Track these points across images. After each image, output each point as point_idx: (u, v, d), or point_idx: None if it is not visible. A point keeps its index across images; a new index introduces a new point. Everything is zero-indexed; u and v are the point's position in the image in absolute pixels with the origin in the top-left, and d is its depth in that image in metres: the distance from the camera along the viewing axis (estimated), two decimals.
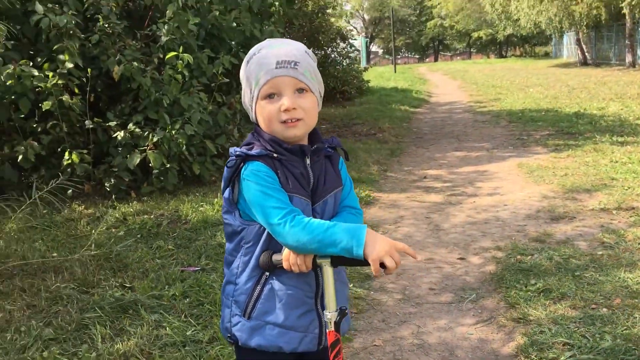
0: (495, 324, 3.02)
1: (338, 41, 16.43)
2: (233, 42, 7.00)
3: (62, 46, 5.56)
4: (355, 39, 20.65)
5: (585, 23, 26.62)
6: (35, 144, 5.55)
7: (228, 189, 1.54)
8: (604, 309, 3.00)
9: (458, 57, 64.04)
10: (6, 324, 3.07)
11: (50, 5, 5.78)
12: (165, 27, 5.90)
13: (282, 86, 1.50)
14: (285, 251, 1.47)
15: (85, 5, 5.99)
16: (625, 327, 2.79)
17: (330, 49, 16.03)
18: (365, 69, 18.21)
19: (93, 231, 4.56)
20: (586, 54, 30.27)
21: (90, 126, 5.82)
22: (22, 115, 5.73)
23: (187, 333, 2.88)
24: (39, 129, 5.81)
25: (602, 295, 3.17)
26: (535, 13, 28.40)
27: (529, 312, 3.02)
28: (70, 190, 5.42)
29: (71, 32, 5.71)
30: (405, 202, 5.56)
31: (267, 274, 1.52)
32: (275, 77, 1.49)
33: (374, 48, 68.46)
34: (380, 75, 26.40)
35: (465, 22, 48.53)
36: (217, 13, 6.50)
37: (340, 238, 1.39)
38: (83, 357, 2.68)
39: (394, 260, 1.35)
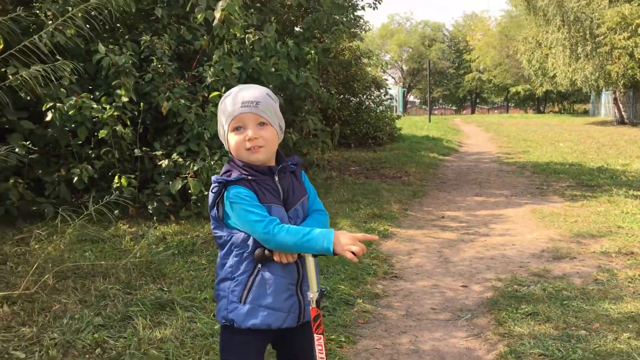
0: (483, 337, 3.42)
1: (372, 89, 17.14)
2: (271, 85, 7.64)
3: (119, 82, 6.27)
4: (390, 88, 21.34)
5: (622, 82, 26.81)
6: (89, 167, 6.20)
7: (214, 209, 1.92)
8: (582, 331, 3.37)
9: (495, 111, 64.31)
10: (62, 313, 3.59)
11: (110, 46, 6.54)
12: (211, 69, 6.57)
13: (247, 121, 1.91)
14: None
15: (142, 48, 6.73)
16: (597, 345, 3.15)
17: (365, 96, 16.72)
18: (398, 117, 18.79)
19: (136, 246, 5.12)
20: (623, 113, 30.25)
21: (139, 154, 6.47)
22: (80, 142, 6.42)
23: (215, 327, 3.35)
24: (93, 155, 6.48)
25: (583, 321, 3.53)
26: (572, 71, 28.72)
27: (514, 330, 3.41)
28: (117, 211, 6.02)
29: (127, 70, 6.44)
30: (420, 238, 5.98)
31: (260, 266, 1.90)
32: (241, 114, 1.91)
33: (411, 98, 69.47)
34: (415, 124, 27.01)
35: (503, 77, 49.02)
36: (258, 59, 7.16)
37: (315, 241, 1.80)
38: (128, 338, 3.18)
39: (358, 247, 1.79)
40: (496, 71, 49.46)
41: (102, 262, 4.63)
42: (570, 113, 47.52)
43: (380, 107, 17.32)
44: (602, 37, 23.96)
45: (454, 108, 68.77)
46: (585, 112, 45.73)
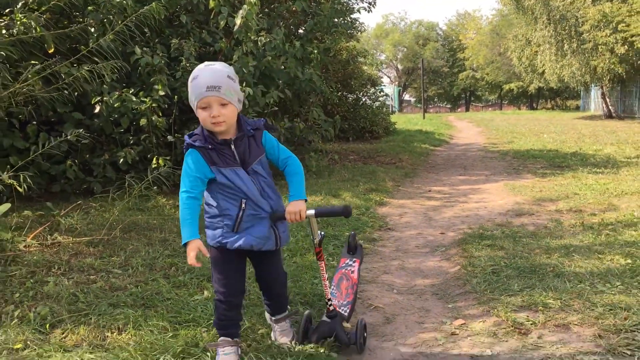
0: (451, 260, 4.63)
1: (369, 86, 18.33)
2: (280, 81, 8.82)
3: (156, 79, 7.45)
4: (384, 85, 22.54)
5: (607, 78, 28.03)
6: (132, 151, 7.38)
7: None
8: (525, 254, 4.56)
9: (489, 108, 65.41)
10: (137, 250, 4.77)
11: (145, 48, 7.72)
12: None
13: (211, 102, 2.44)
14: (287, 215, 2.62)
15: (171, 49, 7.91)
16: (533, 261, 4.34)
17: (361, 93, 17.90)
18: (393, 112, 19.96)
19: (175, 212, 6.29)
20: (610, 107, 31.45)
21: (172, 140, 7.65)
22: (122, 130, 7.59)
23: None
24: (132, 141, 7.65)
25: (528, 249, 4.73)
26: (559, 67, 29.94)
27: (474, 254, 4.62)
28: (155, 187, 7.19)
29: (160, 69, 7.62)
30: (410, 205, 7.18)
31: (243, 205, 2.57)
32: (206, 97, 2.43)
33: (406, 97, 70.62)
34: (409, 121, 28.20)
35: (495, 75, 50.17)
36: (270, 58, 8.34)
37: (182, 230, 2.50)
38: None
39: (189, 257, 2.50)
40: (489, 69, 50.61)
41: (155, 221, 5.82)
42: (562, 109, 48.69)
43: (376, 103, 18.51)
44: (586, 34, 25.18)
45: (448, 106, 69.85)
46: (577, 108, 46.93)
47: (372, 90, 18.72)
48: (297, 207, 2.60)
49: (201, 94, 2.41)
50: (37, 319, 3.25)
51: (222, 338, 2.71)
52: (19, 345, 2.93)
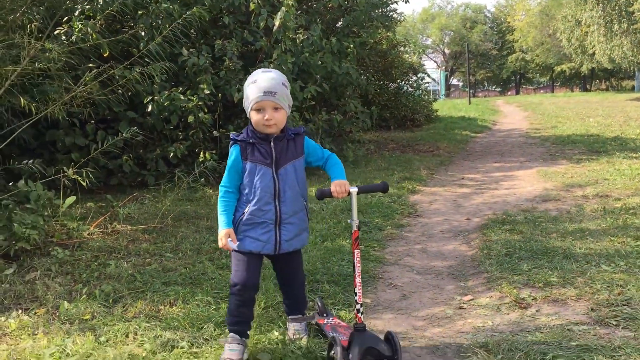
0: (470, 243, 4.99)
1: (410, 74, 18.54)
2: (318, 76, 9.25)
3: (202, 78, 8.01)
4: (429, 70, 22.64)
5: None
6: (181, 146, 7.98)
7: None
8: (541, 238, 4.87)
9: (541, 91, 64.05)
10: (186, 237, 5.32)
11: (191, 50, 8.28)
12: (271, 65, 8.23)
13: (266, 106, 2.64)
14: (332, 186, 2.69)
15: (215, 50, 8.45)
16: (548, 243, 4.65)
17: (403, 82, 18.13)
18: (435, 99, 20.10)
19: None
20: None
21: (217, 135, 8.21)
22: (171, 127, 8.19)
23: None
24: (181, 137, 8.25)
25: (545, 232, 5.03)
26: (610, 48, 29.22)
27: (492, 238, 4.96)
28: (202, 179, 7.76)
29: (205, 69, 8.17)
30: (441, 192, 7.52)
31: (246, 209, 2.73)
32: (262, 101, 2.63)
33: (454, 81, 69.85)
34: (454, 107, 28.17)
35: (546, 57, 49.08)
36: (307, 54, 8.78)
37: (218, 223, 2.77)
38: None
39: (222, 243, 2.77)
40: (539, 50, 49.51)
41: (202, 211, 6.38)
42: (617, 90, 47.30)
43: (418, 91, 18.70)
44: (637, 13, 24.50)
45: (498, 90, 68.77)
46: (632, 89, 45.48)
47: (414, 78, 18.92)
48: (341, 182, 2.70)
49: (258, 97, 2.61)
50: (101, 295, 3.82)
51: (231, 334, 2.84)
52: (87, 316, 3.50)
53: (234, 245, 2.72)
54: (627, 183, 6.98)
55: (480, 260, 4.44)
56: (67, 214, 5.53)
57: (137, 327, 3.28)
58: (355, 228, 2.72)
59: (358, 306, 2.73)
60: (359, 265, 2.73)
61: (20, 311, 3.61)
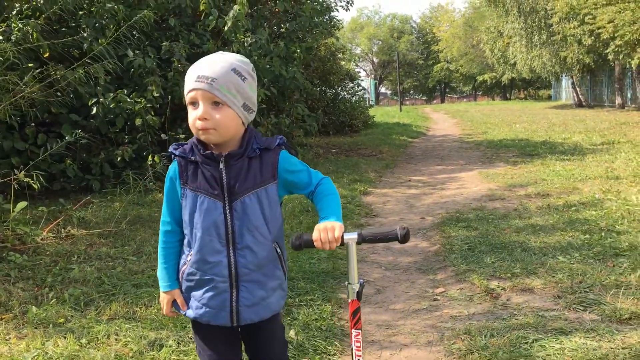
0: (430, 240, 5.16)
1: (347, 81, 18.85)
2: (266, 79, 9.27)
3: (150, 80, 7.85)
4: (362, 80, 23.10)
5: (577, 68, 28.96)
6: (129, 149, 7.78)
7: None
8: (497, 233, 5.11)
9: (464, 100, 66.42)
10: (145, 240, 5.20)
11: (137, 51, 8.11)
12: None
13: (199, 98, 1.72)
14: (315, 232, 1.72)
15: (162, 52, 8.31)
16: (503, 238, 4.89)
17: (340, 88, 18.41)
18: (371, 106, 20.53)
19: None
20: (580, 96, 32.42)
21: (165, 138, 8.06)
22: (117, 130, 7.97)
23: None
24: (127, 140, 8.05)
25: (498, 229, 5.28)
26: (530, 58, 30.85)
27: (451, 234, 5.16)
28: (152, 183, 7.60)
29: (153, 70, 8.02)
30: (392, 194, 7.72)
31: (187, 253, 1.87)
32: (193, 90, 1.73)
33: (382, 89, 71.40)
34: (387, 113, 28.80)
35: (469, 66, 51.11)
36: (256, 58, 8.79)
37: (159, 280, 1.94)
38: None
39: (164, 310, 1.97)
40: (462, 61, 51.49)
41: (156, 214, 6.25)
42: (535, 99, 49.82)
43: (355, 97, 19.04)
44: (555, 26, 26.00)
45: (424, 98, 70.73)
46: (549, 98, 48.08)
47: (351, 84, 19.25)
48: (331, 226, 1.73)
49: (189, 84, 1.76)
50: (71, 299, 3.69)
51: None
52: (61, 320, 3.37)
53: (181, 310, 1.94)
54: (564, 183, 7.41)
55: (444, 255, 4.61)
56: (17, 219, 5.28)
57: (117, 328, 3.21)
58: (353, 296, 1.78)
59: None
60: (359, 350, 1.77)
61: None
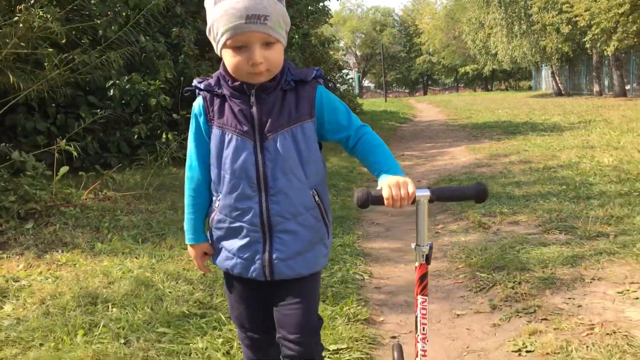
0: None
1: (335, 70, 19.53)
2: None
3: (162, 63, 8.46)
4: (350, 69, 23.79)
5: (556, 57, 29.92)
6: (144, 127, 8.38)
7: None
8: None
9: (446, 92, 67.34)
10: (175, 199, 5.84)
11: (148, 37, 8.71)
12: None
13: (252, 40, 1.48)
14: (386, 189, 1.54)
15: (173, 37, 8.92)
16: (490, 190, 5.62)
17: (329, 77, 19.07)
18: (358, 95, 21.24)
19: None
20: (560, 85, 33.39)
21: (177, 117, 8.68)
22: (131, 111, 8.57)
23: None
24: (141, 120, 8.65)
25: (487, 184, 6.00)
26: (511, 48, 31.74)
27: None
28: (166, 158, 8.21)
29: (164, 54, 8.63)
30: None
31: (220, 198, 1.67)
32: (244, 32, 1.46)
33: (366, 83, 72.14)
34: (372, 104, 29.54)
35: (451, 58, 51.93)
36: None
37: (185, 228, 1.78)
38: None
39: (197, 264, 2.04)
40: (445, 52, 52.26)
41: (177, 182, 6.90)
42: (515, 89, 50.85)
43: (344, 86, 19.74)
44: (535, 15, 26.90)
45: (407, 91, 71.50)
46: (530, 88, 49.09)
47: (339, 74, 19.94)
48: (400, 181, 1.57)
49: (237, 27, 1.47)
50: (129, 237, 4.34)
51: None
52: (127, 250, 4.02)
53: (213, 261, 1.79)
54: (544, 152, 8.18)
55: (441, 203, 5.32)
56: (61, 183, 5.89)
57: (177, 253, 3.86)
58: (422, 260, 1.60)
59: None
60: (424, 318, 1.60)
61: (60, 251, 4.07)
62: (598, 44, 22.88)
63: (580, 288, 2.97)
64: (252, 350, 1.84)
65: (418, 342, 1.58)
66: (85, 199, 5.67)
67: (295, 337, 1.67)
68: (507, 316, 2.76)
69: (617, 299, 2.80)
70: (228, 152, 1.61)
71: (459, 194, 1.66)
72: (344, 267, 3.56)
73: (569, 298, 2.85)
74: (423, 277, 1.57)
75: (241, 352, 1.97)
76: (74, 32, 8.30)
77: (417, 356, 1.58)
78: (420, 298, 1.57)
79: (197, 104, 1.67)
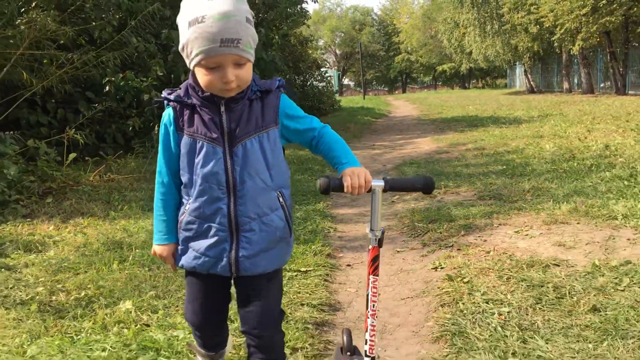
0: (389, 174, 6.81)
1: (314, 69, 20.45)
2: None
3: (154, 62, 9.30)
4: (329, 67, 24.72)
5: (528, 55, 31.14)
6: (137, 120, 9.21)
7: None
8: (438, 168, 6.79)
9: (425, 90, 68.48)
10: None
11: (140, 38, 9.54)
12: None
13: (225, 62, 1.59)
14: (346, 177, 1.69)
15: (163, 38, 9.75)
16: (441, 170, 6.57)
17: (308, 75, 20.00)
18: (336, 92, 22.18)
19: None
20: (532, 82, 34.62)
21: None
22: (125, 105, 9.38)
23: None
24: (134, 114, 9.48)
25: (440, 166, 6.96)
26: (485, 47, 32.89)
27: (405, 170, 6.82)
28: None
29: (155, 54, 9.47)
30: (359, 153, 9.36)
31: (190, 201, 1.77)
32: (218, 55, 1.57)
33: (346, 81, 73.09)
34: (351, 101, 30.58)
35: (429, 57, 53.09)
36: None
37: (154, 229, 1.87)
38: None
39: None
40: (422, 51, 53.39)
41: None
42: (492, 87, 52.20)
43: (322, 83, 20.66)
44: (506, 15, 28.08)
45: (386, 89, 72.50)
46: (505, 86, 50.43)
47: (318, 72, 20.85)
48: (358, 171, 1.74)
49: (211, 50, 1.57)
50: (137, 207, 5.21)
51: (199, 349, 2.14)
52: (137, 215, 4.89)
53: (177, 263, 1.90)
54: (498, 141, 9.18)
55: None
56: (68, 168, 6.73)
57: None
58: (374, 243, 1.75)
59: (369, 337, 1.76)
60: (374, 297, 1.75)
61: (81, 218, 4.93)
62: (564, 43, 24.07)
63: (488, 230, 3.93)
64: (204, 345, 2.08)
65: (368, 317, 1.72)
66: (92, 180, 6.51)
67: (258, 332, 1.83)
68: (432, 250, 3.71)
69: (513, 236, 3.76)
70: (199, 159, 1.71)
71: (409, 186, 1.81)
72: (314, 223, 4.48)
73: (479, 236, 3.81)
74: (375, 259, 1.71)
75: None
76: (72, 34, 9.09)
77: (366, 330, 1.73)
78: (372, 277, 1.71)
79: (167, 114, 1.77)
